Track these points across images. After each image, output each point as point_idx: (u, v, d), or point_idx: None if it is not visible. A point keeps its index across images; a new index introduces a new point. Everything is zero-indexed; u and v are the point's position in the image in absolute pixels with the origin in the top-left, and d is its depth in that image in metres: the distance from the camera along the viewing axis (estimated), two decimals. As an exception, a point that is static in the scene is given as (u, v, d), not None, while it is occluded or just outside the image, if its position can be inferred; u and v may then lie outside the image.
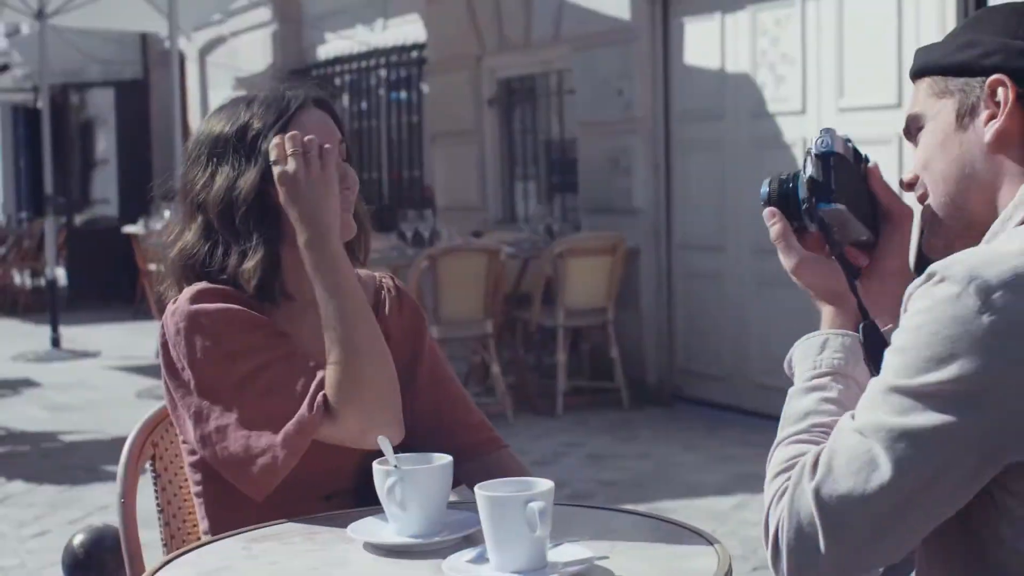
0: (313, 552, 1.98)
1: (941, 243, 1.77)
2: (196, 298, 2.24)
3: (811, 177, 1.80)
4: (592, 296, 8.47)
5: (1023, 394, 1.50)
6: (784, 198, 1.84)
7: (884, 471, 1.54)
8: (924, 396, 1.53)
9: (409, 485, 1.95)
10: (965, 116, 1.73)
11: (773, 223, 1.85)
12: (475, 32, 10.54)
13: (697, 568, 1.82)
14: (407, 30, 12.08)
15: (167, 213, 14.13)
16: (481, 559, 1.82)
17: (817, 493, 1.57)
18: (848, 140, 1.84)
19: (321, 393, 2.13)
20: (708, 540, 1.92)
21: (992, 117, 1.70)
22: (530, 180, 10.56)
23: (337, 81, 13.53)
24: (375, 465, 1.99)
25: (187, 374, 2.20)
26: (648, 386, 8.63)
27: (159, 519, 2.51)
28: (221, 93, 15.17)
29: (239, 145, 2.29)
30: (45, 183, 12.37)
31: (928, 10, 6.79)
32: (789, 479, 1.62)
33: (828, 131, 1.83)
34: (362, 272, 2.43)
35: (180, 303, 2.25)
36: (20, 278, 15.96)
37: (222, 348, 2.20)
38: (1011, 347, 1.50)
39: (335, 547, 1.99)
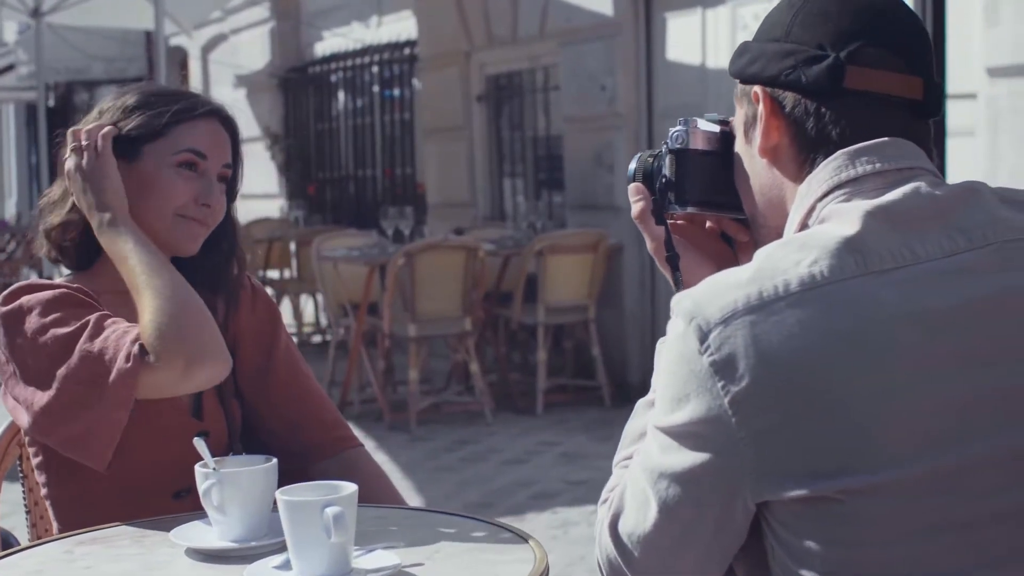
0: (135, 556, 1.93)
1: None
2: (7, 298, 2.22)
3: (664, 177, 1.74)
4: (574, 293, 8.40)
5: (748, 434, 1.43)
6: (649, 178, 1.77)
7: (653, 511, 1.52)
8: (675, 435, 1.49)
9: (228, 488, 1.90)
10: (749, 128, 1.65)
11: (636, 200, 1.79)
12: (464, 28, 10.50)
13: (510, 573, 1.76)
14: (400, 27, 12.04)
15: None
16: (288, 565, 1.77)
17: (613, 529, 1.58)
18: (722, 120, 1.75)
19: (137, 342, 2.08)
20: (523, 537, 1.88)
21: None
22: (518, 177, 10.51)
23: (333, 78, 13.50)
24: (197, 468, 1.95)
25: (11, 367, 2.17)
26: (630, 385, 8.55)
27: (27, 520, 2.47)
28: (223, 90, 15.18)
29: (122, 102, 2.31)
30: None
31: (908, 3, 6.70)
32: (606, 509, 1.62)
33: (687, 122, 1.74)
34: None
35: (10, 294, 2.23)
36: (29, 275, 15.99)
37: (29, 330, 2.17)
38: (730, 388, 1.43)
39: (159, 551, 1.94)
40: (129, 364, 2.06)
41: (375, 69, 12.71)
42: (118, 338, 2.09)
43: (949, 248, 1.49)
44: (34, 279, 2.28)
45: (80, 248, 2.31)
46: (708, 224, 1.82)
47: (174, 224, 2.26)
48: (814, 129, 1.57)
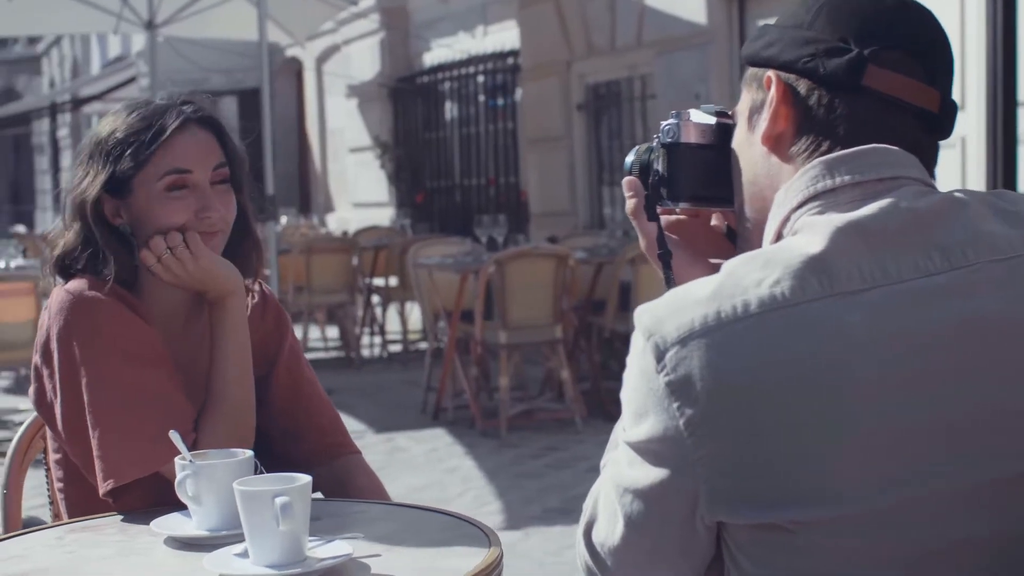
0: (117, 543, 2.02)
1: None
2: (78, 307, 2.25)
3: (656, 172, 1.68)
4: (667, 301, 8.36)
5: (702, 456, 1.40)
6: (646, 172, 1.71)
7: (620, 524, 1.51)
8: (638, 450, 1.46)
9: (202, 480, 1.97)
10: (755, 114, 1.59)
11: (629, 196, 1.74)
12: (564, 37, 10.56)
13: (455, 567, 1.82)
14: (505, 36, 12.13)
15: (284, 219, 14.46)
16: (248, 553, 1.84)
17: (587, 537, 1.57)
18: (720, 111, 1.68)
19: (192, 438, 2.20)
20: (486, 534, 1.93)
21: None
22: (617, 185, 10.52)
23: (440, 88, 13.64)
24: (176, 460, 2.03)
25: (73, 364, 2.22)
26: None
27: (50, 511, 2.57)
28: (337, 101, 15.43)
29: (96, 150, 2.33)
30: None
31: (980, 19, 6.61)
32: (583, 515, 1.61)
33: (679, 115, 1.68)
34: None
35: (74, 294, 2.26)
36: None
37: (117, 346, 2.23)
38: (685, 410, 1.40)
39: (141, 539, 2.02)
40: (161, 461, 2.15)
41: (480, 79, 12.83)
42: (179, 410, 2.22)
43: (924, 268, 1.43)
44: (93, 294, 2.28)
45: (88, 263, 2.34)
46: (713, 219, 1.76)
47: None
48: (823, 121, 1.52)
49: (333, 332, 12.20)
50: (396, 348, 11.87)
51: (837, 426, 1.37)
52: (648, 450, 1.45)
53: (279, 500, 1.75)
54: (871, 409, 1.37)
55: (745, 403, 1.38)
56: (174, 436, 2.04)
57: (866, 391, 1.37)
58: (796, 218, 1.50)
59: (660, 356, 1.42)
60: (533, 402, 8.71)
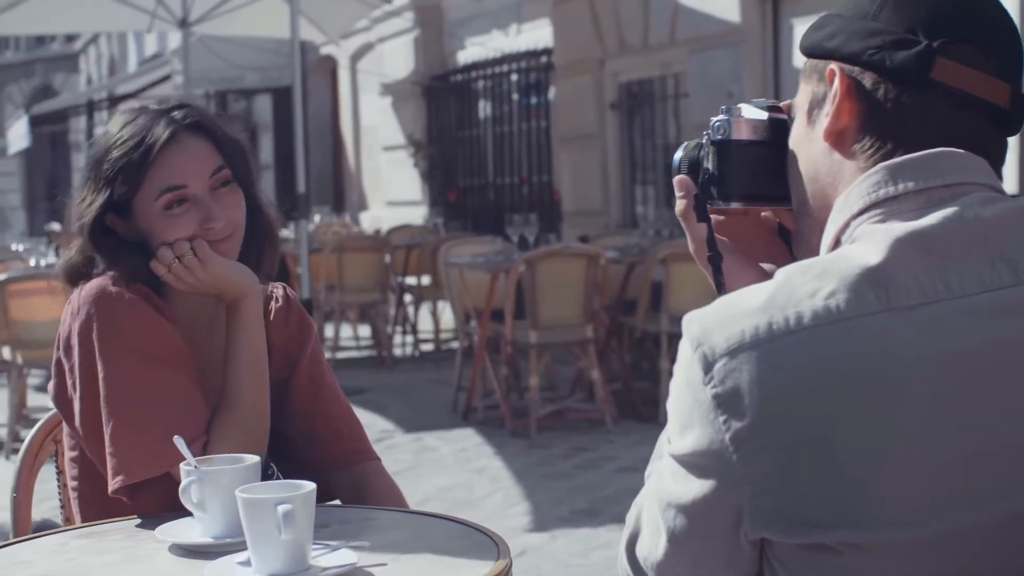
0: (121, 550, 1.99)
1: (803, 255, 1.55)
2: (103, 300, 2.23)
3: (706, 171, 1.60)
4: (698, 301, 8.24)
5: (748, 472, 1.35)
6: (695, 169, 1.63)
7: (663, 539, 1.45)
8: (683, 463, 1.41)
9: (207, 486, 1.94)
10: (815, 108, 1.52)
11: (680, 196, 1.66)
12: (598, 35, 10.51)
13: (463, 573, 1.78)
14: (538, 35, 12.10)
15: (317, 217, 14.46)
16: (251, 561, 1.81)
17: (630, 551, 1.52)
18: (771, 105, 1.61)
19: (203, 441, 2.18)
20: (496, 544, 1.89)
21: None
22: (649, 184, 10.49)
23: (474, 86, 13.62)
24: (181, 466, 2.00)
25: (92, 359, 2.20)
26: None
27: (61, 515, 2.54)
28: (371, 99, 15.43)
29: (93, 172, 2.31)
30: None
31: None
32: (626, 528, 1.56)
33: (729, 110, 1.60)
34: None
35: (98, 289, 2.24)
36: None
37: (137, 344, 2.21)
38: (732, 424, 1.34)
39: (145, 545, 1.99)
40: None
41: (514, 77, 12.80)
42: (197, 412, 2.20)
43: (989, 282, 1.35)
44: (116, 290, 2.26)
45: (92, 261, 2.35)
46: (764, 215, 1.69)
47: None
48: (889, 117, 1.45)
49: (365, 331, 12.19)
50: (428, 347, 11.84)
51: (889, 447, 1.31)
52: (693, 463, 1.39)
53: (281, 508, 1.71)
54: (928, 429, 1.31)
55: (794, 419, 1.32)
56: (178, 441, 2.00)
57: (923, 410, 1.31)
58: (856, 225, 1.44)
59: (708, 367, 1.36)
60: (563, 402, 8.67)
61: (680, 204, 1.66)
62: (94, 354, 2.19)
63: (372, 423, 8.28)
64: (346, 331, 12.22)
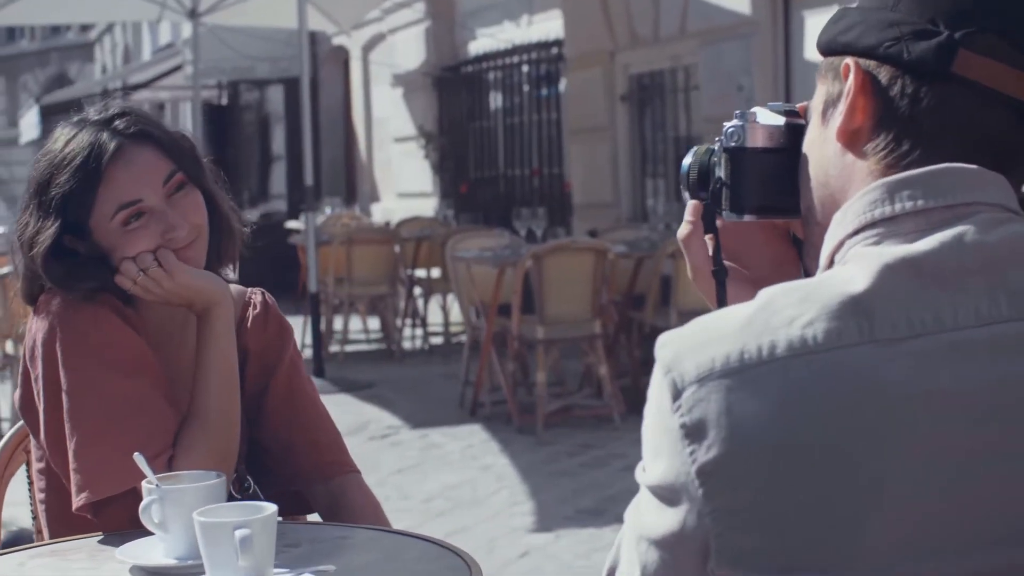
0: (83, 571, 1.92)
1: (812, 265, 1.43)
2: (66, 314, 2.17)
3: (718, 180, 1.48)
4: (708, 297, 8.23)
5: (714, 509, 1.24)
6: (705, 176, 1.51)
7: (637, 573, 1.34)
8: (655, 493, 1.29)
9: (169, 505, 1.87)
10: (829, 107, 1.39)
11: (688, 221, 1.55)
12: (608, 27, 10.43)
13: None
14: (550, 26, 12.01)
15: (328, 209, 14.40)
16: (210, 586, 1.73)
17: None
18: (788, 109, 1.49)
19: (169, 455, 2.10)
20: (468, 566, 1.81)
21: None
22: (660, 177, 10.40)
23: (485, 78, 13.54)
24: (143, 483, 1.92)
25: (55, 369, 2.14)
26: (765, 390, 8.37)
27: (33, 526, 2.48)
28: (382, 90, 15.35)
29: (37, 200, 2.23)
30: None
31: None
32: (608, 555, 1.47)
33: (744, 115, 1.48)
34: (235, 288, 2.40)
35: (63, 298, 2.19)
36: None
37: (102, 354, 2.15)
38: (698, 456, 1.22)
39: (107, 567, 1.92)
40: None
41: (525, 68, 12.72)
42: (162, 422, 2.13)
43: (987, 315, 1.23)
44: (82, 299, 2.19)
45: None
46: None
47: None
48: (906, 114, 1.32)
49: (374, 324, 12.13)
50: (438, 340, 11.78)
51: (868, 490, 1.20)
52: (662, 495, 1.28)
53: (239, 533, 1.64)
54: (911, 473, 1.20)
55: (763, 456, 1.21)
56: (139, 459, 1.93)
57: (902, 454, 1.20)
58: (850, 246, 1.31)
59: (677, 395, 1.24)
60: (571, 398, 8.59)
61: (685, 228, 1.56)
62: (57, 365, 2.13)
63: (379, 418, 8.24)
64: (355, 324, 12.16)
